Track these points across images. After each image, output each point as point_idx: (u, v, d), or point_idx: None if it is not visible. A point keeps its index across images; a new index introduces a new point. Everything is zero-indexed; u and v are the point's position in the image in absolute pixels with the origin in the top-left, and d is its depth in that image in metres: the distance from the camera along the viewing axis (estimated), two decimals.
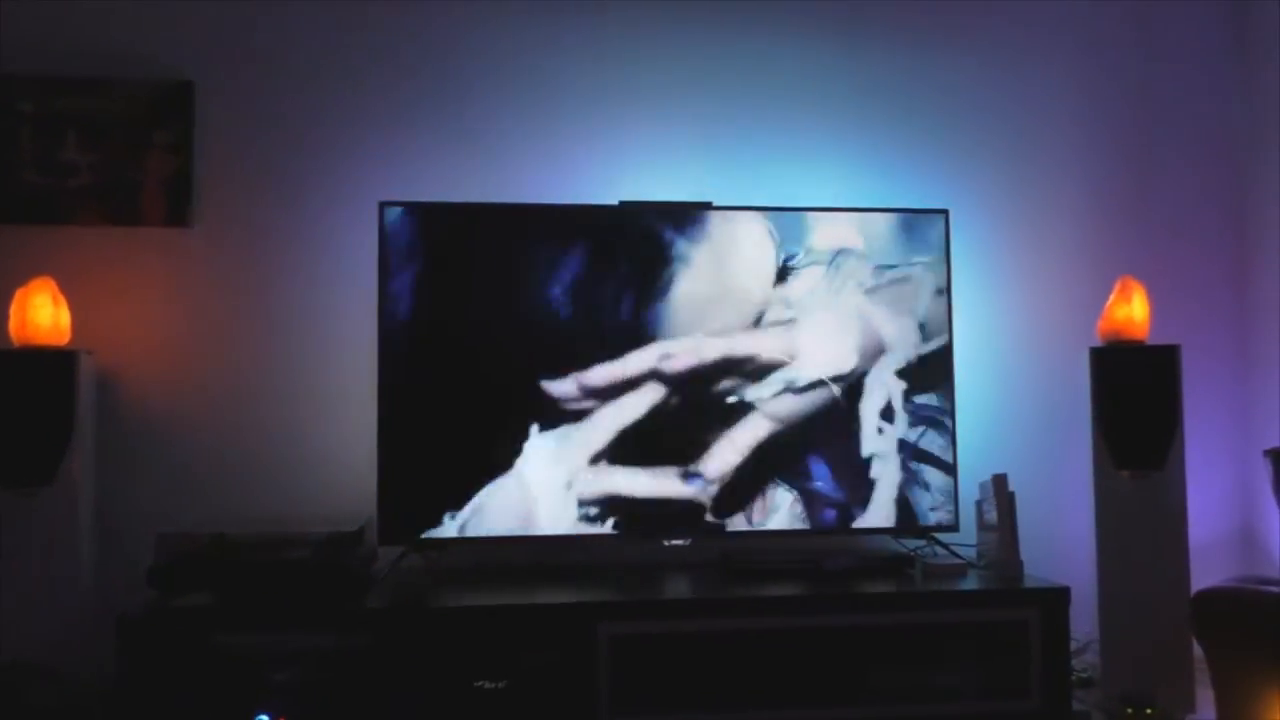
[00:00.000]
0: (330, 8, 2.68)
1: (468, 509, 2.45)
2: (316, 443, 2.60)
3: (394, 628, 2.12)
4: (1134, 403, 2.44)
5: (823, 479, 2.54)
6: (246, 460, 2.59)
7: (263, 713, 2.06)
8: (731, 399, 2.53)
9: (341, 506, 2.49)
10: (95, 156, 2.57)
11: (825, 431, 2.55)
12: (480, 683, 2.10)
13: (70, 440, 2.31)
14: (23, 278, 2.39)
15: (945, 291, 2.60)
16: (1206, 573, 2.38)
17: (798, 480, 2.53)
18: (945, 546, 2.53)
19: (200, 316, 2.61)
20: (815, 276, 2.57)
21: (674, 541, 2.50)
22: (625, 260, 2.53)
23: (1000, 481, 2.39)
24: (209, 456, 2.58)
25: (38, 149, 2.55)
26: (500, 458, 2.46)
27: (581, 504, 2.48)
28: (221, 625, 2.10)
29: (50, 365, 2.33)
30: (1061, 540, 2.57)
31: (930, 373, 2.58)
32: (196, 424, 2.58)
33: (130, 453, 2.53)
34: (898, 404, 2.56)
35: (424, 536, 2.43)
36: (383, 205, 2.49)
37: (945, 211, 2.63)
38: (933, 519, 2.54)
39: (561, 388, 2.49)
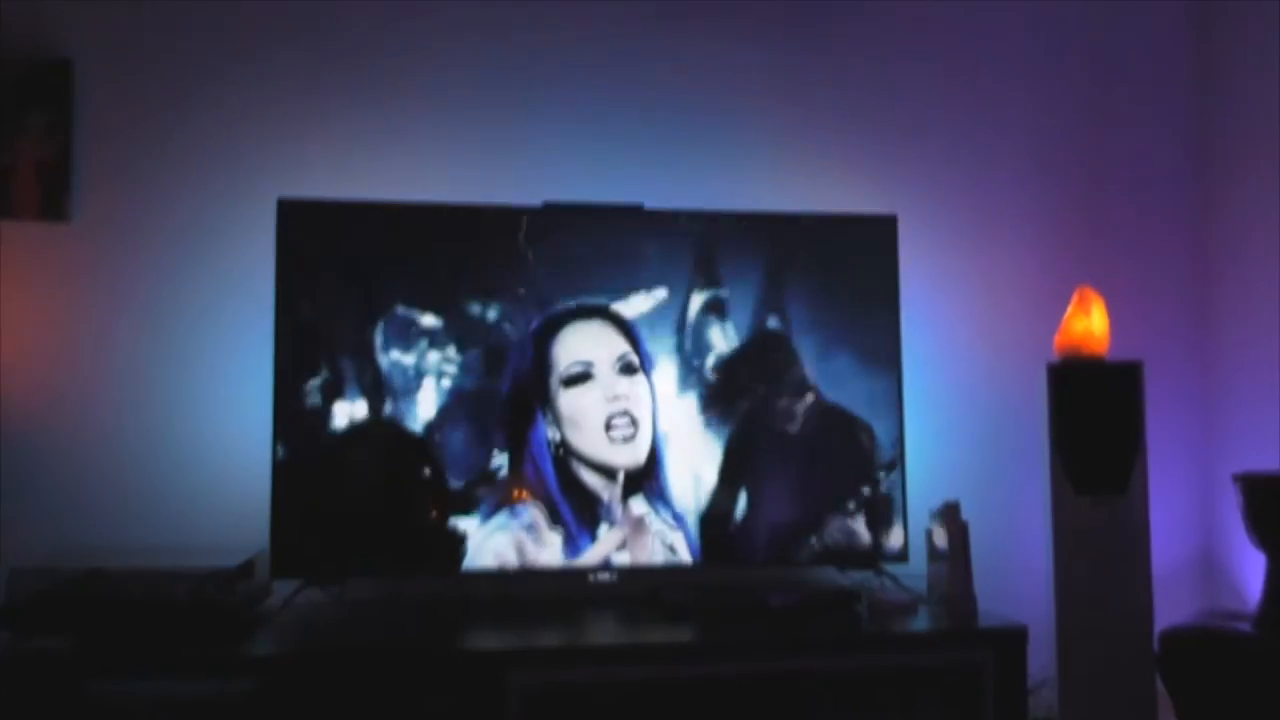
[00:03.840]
0: None
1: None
2: (208, 464, 2.35)
3: (279, 673, 1.89)
4: (1094, 422, 2.28)
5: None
6: (127, 483, 2.32)
7: None
8: None
9: (235, 535, 2.23)
10: None
11: None
12: None
13: None
14: None
15: (893, 303, 2.42)
16: (1169, 604, 2.24)
17: None
18: (894, 579, 2.35)
19: (77, 320, 2.35)
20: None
21: (601, 576, 2.29)
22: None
23: (952, 510, 2.22)
24: (84, 478, 2.31)
25: None
26: None
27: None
28: (90, 671, 1.84)
29: None
30: (1017, 570, 2.39)
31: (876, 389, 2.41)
32: (70, 441, 2.32)
33: None
34: None
35: (322, 569, 2.20)
36: (282, 202, 2.26)
37: (893, 217, 2.46)
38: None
39: None
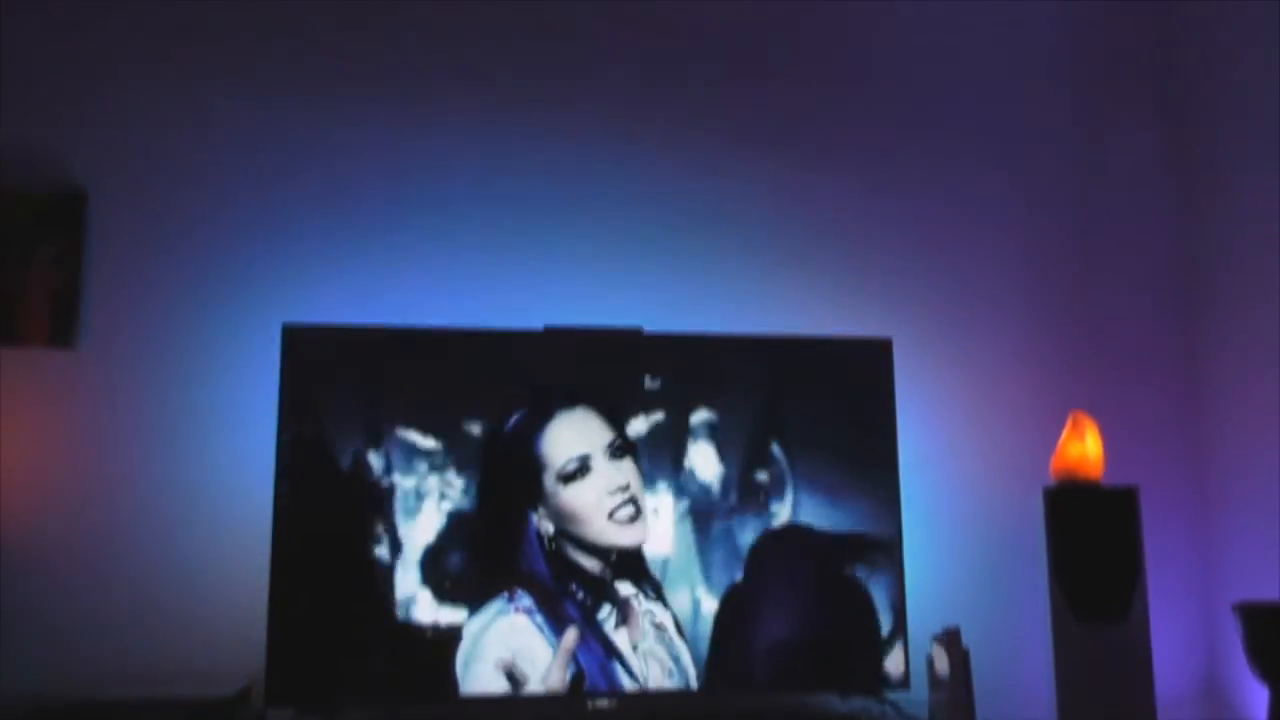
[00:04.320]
0: (239, 118, 2.53)
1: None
2: (205, 590, 2.34)
3: None
4: (1092, 547, 2.28)
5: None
6: (122, 608, 2.31)
7: None
8: None
9: (230, 663, 2.22)
10: None
11: None
12: None
13: None
14: None
15: (889, 428, 2.45)
16: None
17: None
18: (895, 707, 2.32)
19: (80, 444, 2.37)
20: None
21: (599, 704, 2.26)
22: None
23: (953, 637, 2.20)
24: (79, 604, 2.31)
25: None
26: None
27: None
28: None
29: None
30: (1020, 697, 2.37)
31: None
32: (67, 563, 2.32)
33: None
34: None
35: (317, 697, 2.17)
36: (286, 328, 2.30)
37: (888, 340, 2.50)
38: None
39: None
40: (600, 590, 2.29)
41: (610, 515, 2.30)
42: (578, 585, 2.29)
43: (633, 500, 2.32)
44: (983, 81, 2.84)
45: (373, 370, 2.31)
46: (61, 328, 2.39)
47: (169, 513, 2.38)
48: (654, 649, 2.29)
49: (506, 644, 2.23)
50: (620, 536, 2.31)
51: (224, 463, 2.40)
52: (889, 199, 2.75)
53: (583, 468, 2.32)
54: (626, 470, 2.33)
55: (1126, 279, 2.82)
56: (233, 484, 2.38)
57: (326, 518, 2.24)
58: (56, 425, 2.38)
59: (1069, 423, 2.40)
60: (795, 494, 2.39)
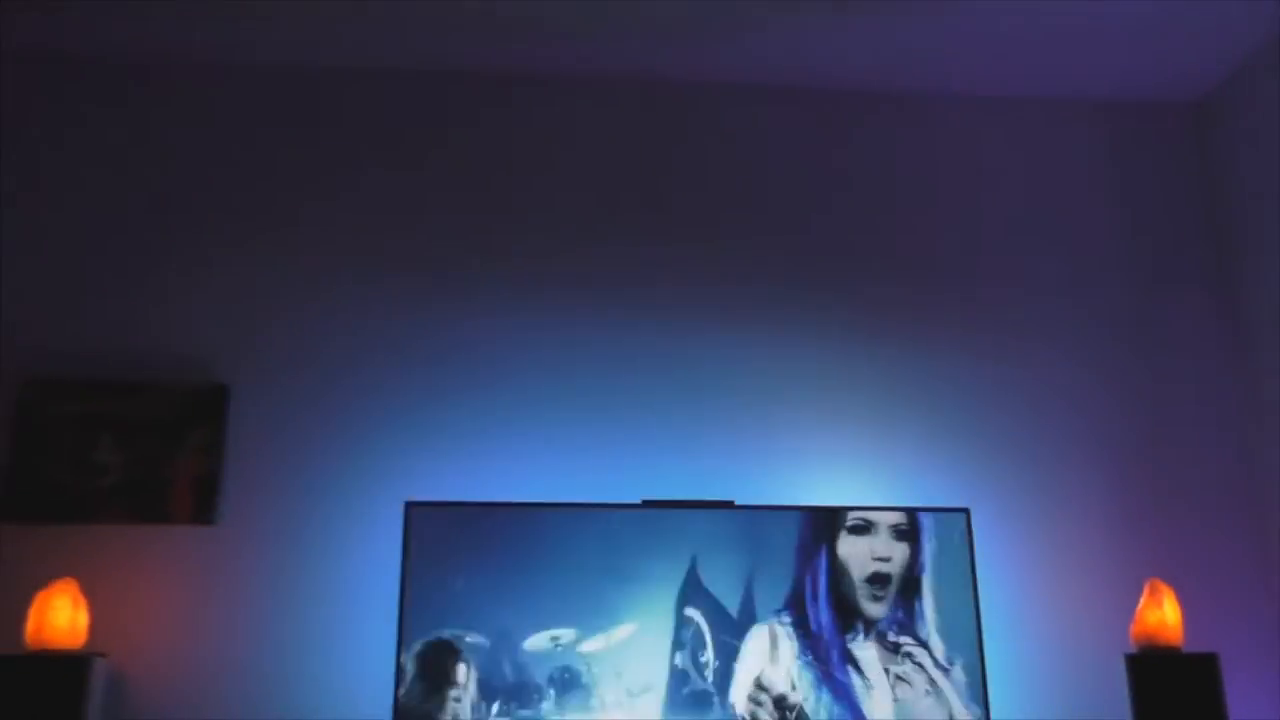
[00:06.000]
0: (359, 309, 2.81)
1: None
2: None
3: None
4: (1177, 713, 2.35)
5: None
6: None
7: None
8: None
9: None
10: (127, 456, 2.62)
11: None
12: None
13: None
14: (48, 577, 2.40)
15: (972, 596, 2.56)
16: None
17: None
18: None
19: (219, 616, 2.58)
20: None
21: None
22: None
23: None
24: None
25: (72, 450, 2.61)
26: None
27: None
28: None
29: (63, 670, 2.29)
30: None
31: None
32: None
33: None
34: None
35: None
36: (409, 505, 2.52)
37: (966, 510, 2.63)
38: None
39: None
40: None
41: None
42: None
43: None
44: (1047, 264, 3.04)
45: (490, 541, 2.49)
46: (204, 507, 2.62)
47: (294, 675, 2.55)
48: None
49: None
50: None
51: (349, 628, 2.58)
52: (965, 380, 2.92)
53: None
54: None
55: (1193, 449, 2.92)
56: (357, 650, 2.55)
57: (446, 686, 2.39)
58: (197, 593, 2.59)
59: (1146, 590, 2.51)
60: (888, 657, 2.50)
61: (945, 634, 2.53)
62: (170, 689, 2.52)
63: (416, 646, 2.41)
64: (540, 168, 2.97)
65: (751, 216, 3.00)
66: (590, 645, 2.44)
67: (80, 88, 2.89)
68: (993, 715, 2.49)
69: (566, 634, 2.45)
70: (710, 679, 2.45)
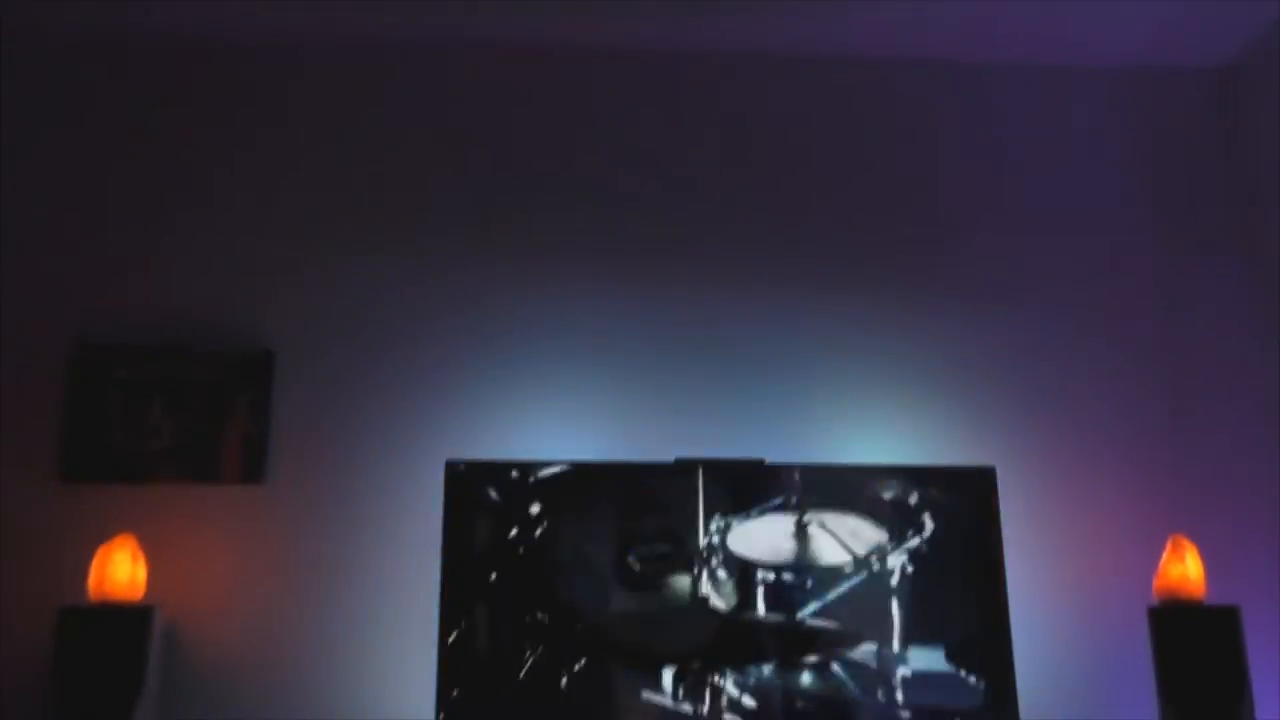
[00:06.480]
0: (399, 276, 2.89)
1: None
2: (375, 711, 2.60)
3: None
4: (1198, 665, 2.41)
5: None
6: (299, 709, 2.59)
7: None
8: None
9: None
10: (178, 419, 2.73)
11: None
12: None
13: (139, 695, 2.34)
14: (107, 534, 2.51)
15: (996, 552, 2.62)
16: None
17: None
18: None
19: (267, 570, 2.68)
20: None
21: None
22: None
23: None
24: (264, 715, 2.59)
25: (126, 413, 2.72)
26: None
27: None
28: None
29: (125, 621, 2.40)
30: None
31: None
32: (256, 680, 2.61)
33: (189, 707, 2.55)
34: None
35: None
36: (450, 464, 2.60)
37: (992, 468, 2.69)
38: None
39: None
40: None
41: None
42: None
43: None
44: (1075, 228, 3.07)
45: (525, 499, 2.58)
46: (252, 467, 2.73)
47: (343, 632, 2.66)
48: None
49: None
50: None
51: (392, 582, 2.68)
52: (989, 332, 2.97)
53: None
54: None
55: (1218, 406, 2.96)
56: (400, 603, 2.66)
57: (490, 636, 2.49)
58: (247, 548, 2.70)
59: (1169, 545, 2.56)
60: (906, 614, 2.57)
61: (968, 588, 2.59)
62: (220, 638, 2.63)
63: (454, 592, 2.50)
64: (580, 136, 3.04)
65: (785, 183, 3.06)
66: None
67: (147, 60, 2.99)
68: (1018, 668, 2.56)
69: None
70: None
